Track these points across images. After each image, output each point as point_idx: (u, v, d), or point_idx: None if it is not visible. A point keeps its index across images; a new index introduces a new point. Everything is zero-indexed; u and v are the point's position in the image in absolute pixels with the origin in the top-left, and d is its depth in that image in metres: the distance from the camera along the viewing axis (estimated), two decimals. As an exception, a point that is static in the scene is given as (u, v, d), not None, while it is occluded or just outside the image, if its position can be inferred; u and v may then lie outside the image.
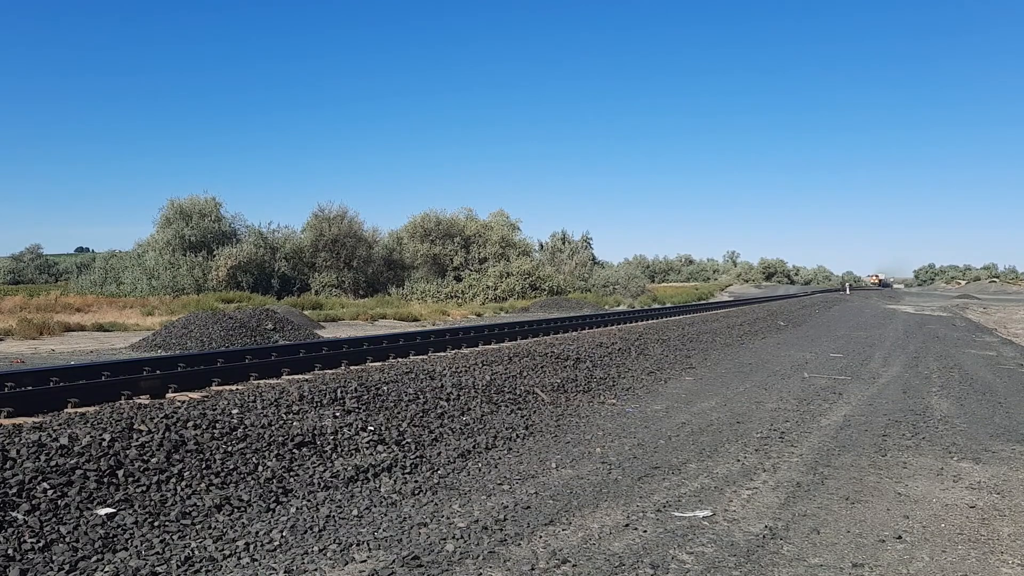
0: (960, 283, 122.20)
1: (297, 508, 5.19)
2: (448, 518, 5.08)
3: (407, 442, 6.85)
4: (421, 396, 8.25)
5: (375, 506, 5.34)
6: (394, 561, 4.28)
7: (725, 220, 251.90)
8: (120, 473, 5.03)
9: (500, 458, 6.79)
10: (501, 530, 4.84)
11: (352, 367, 10.25)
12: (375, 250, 44.35)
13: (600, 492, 5.77)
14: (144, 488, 4.97)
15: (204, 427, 6.00)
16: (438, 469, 6.33)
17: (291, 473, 5.74)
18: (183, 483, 5.15)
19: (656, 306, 38.37)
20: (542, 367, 11.30)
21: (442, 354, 12.19)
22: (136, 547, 4.34)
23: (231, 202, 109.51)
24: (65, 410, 6.75)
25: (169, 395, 7.73)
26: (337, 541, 4.59)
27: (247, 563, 4.25)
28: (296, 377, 9.06)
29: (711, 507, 5.40)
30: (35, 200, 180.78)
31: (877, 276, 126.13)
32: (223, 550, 4.39)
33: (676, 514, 5.24)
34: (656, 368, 13.00)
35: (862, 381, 12.20)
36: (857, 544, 4.73)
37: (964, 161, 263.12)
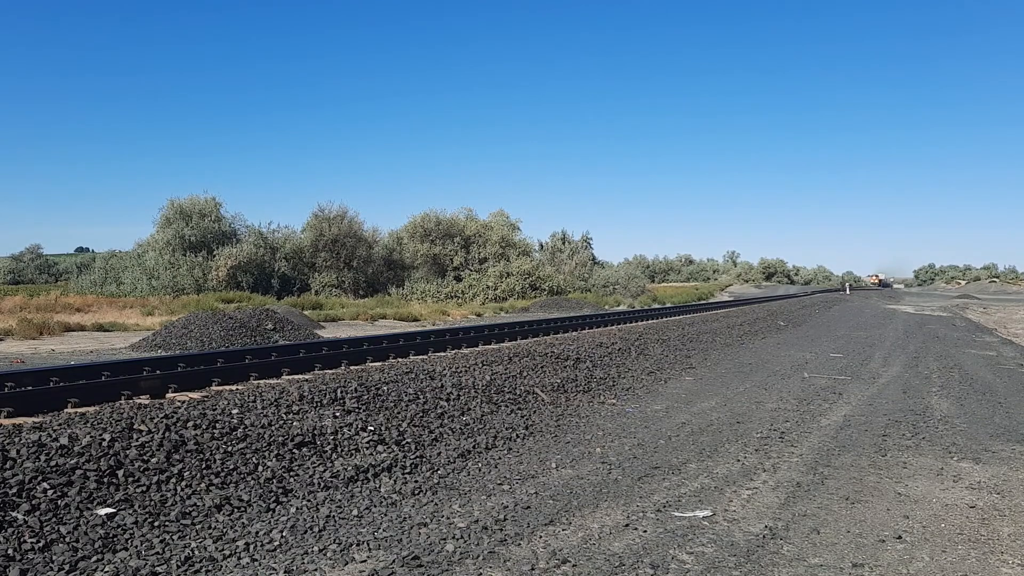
0: (960, 283, 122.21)
1: (297, 508, 5.19)
2: (448, 518, 5.08)
3: (407, 442, 6.85)
4: (421, 396, 8.25)
5: (375, 506, 5.34)
6: (394, 561, 4.28)
7: (725, 220, 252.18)
8: (120, 473, 5.03)
9: (500, 458, 6.79)
10: (501, 530, 4.84)
11: (352, 367, 10.25)
12: (375, 250, 44.36)
13: (600, 492, 5.77)
14: (144, 488, 4.97)
15: (204, 427, 6.00)
16: (438, 469, 6.33)
17: (291, 473, 5.74)
18: (183, 483, 5.15)
19: (656, 306, 38.38)
20: (542, 367, 11.30)
21: (442, 354, 12.19)
22: (136, 547, 4.34)
23: (231, 202, 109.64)
24: (65, 410, 6.75)
25: (169, 395, 7.72)
26: (337, 541, 4.59)
27: (247, 563, 4.25)
28: (296, 377, 9.06)
29: (711, 507, 5.40)
30: (35, 200, 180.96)
31: (877, 276, 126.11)
32: (223, 550, 4.39)
33: (676, 514, 5.24)
34: (656, 368, 13.00)
35: (862, 381, 12.20)
36: (857, 544, 4.73)
37: (964, 161, 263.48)
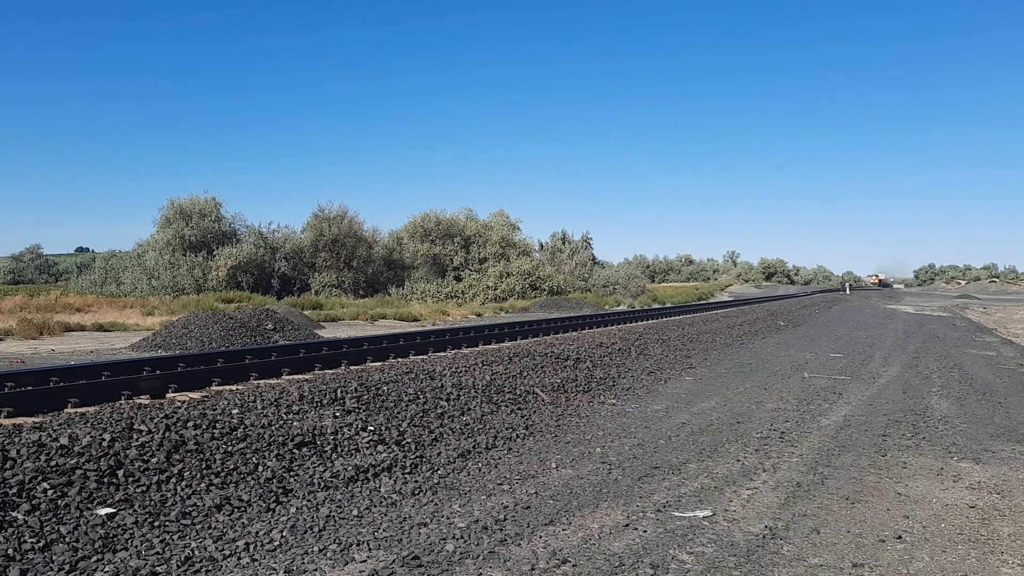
0: (960, 283, 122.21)
1: (297, 508, 5.19)
2: (448, 518, 5.08)
3: (407, 442, 6.85)
4: (421, 396, 8.25)
5: (375, 506, 5.34)
6: (394, 561, 4.28)
7: (725, 220, 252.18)
8: (120, 473, 5.03)
9: (500, 458, 6.79)
10: (501, 530, 4.84)
11: (352, 367, 10.25)
12: (375, 250, 44.35)
13: (600, 492, 5.77)
14: (144, 488, 4.97)
15: (204, 427, 6.00)
16: (438, 469, 6.33)
17: (291, 473, 5.74)
18: (183, 483, 5.15)
19: (656, 306, 38.38)
20: (542, 367, 11.30)
21: (442, 354, 12.19)
22: (136, 547, 4.34)
23: (231, 202, 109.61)
24: (65, 410, 6.75)
25: (169, 395, 7.73)
26: (337, 541, 4.59)
27: (247, 563, 4.25)
28: (296, 377, 9.06)
29: (711, 507, 5.40)
30: (35, 200, 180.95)
31: (877, 276, 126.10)
32: (223, 550, 4.39)
33: (676, 514, 5.24)
34: (656, 368, 13.00)
35: (862, 381, 12.20)
36: (857, 544, 4.73)
37: (964, 161, 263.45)
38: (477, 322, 25.32)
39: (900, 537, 4.86)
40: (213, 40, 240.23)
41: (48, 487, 4.67)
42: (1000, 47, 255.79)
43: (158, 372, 8.63)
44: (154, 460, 5.29)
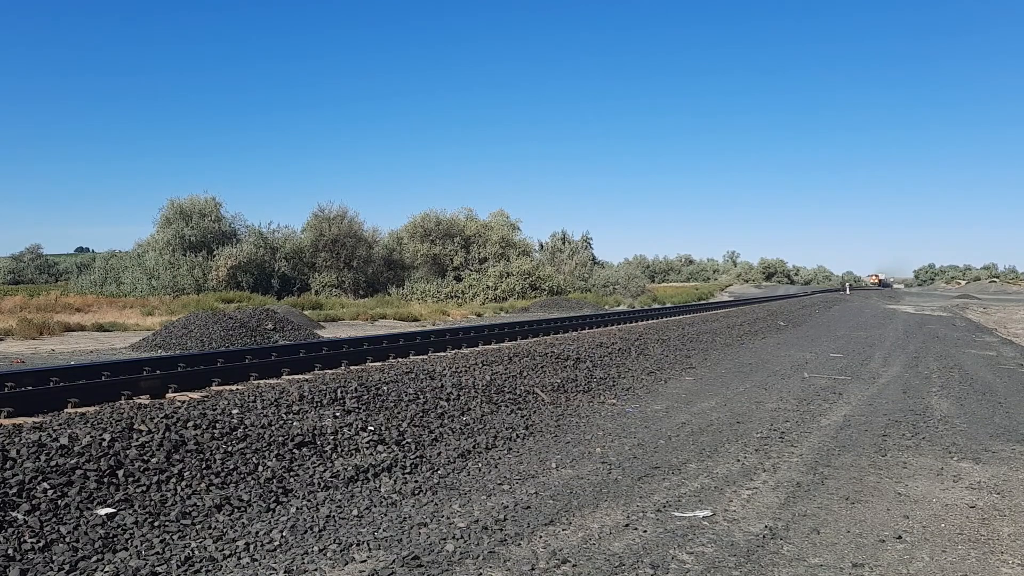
0: (960, 283, 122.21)
1: (297, 508, 5.19)
2: (448, 518, 5.08)
3: (407, 442, 6.85)
4: (421, 396, 8.25)
5: (375, 506, 5.34)
6: (394, 561, 4.28)
7: (725, 220, 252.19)
8: (120, 473, 5.03)
9: (500, 458, 6.79)
10: (501, 530, 4.84)
11: (352, 367, 10.25)
12: (375, 250, 44.35)
13: (600, 492, 5.77)
14: (144, 488, 4.97)
15: (204, 427, 6.00)
16: (438, 469, 6.33)
17: (291, 473, 5.74)
18: (183, 483, 5.15)
19: (656, 306, 38.38)
20: (542, 367, 11.30)
21: (442, 354, 12.19)
22: (136, 547, 4.34)
23: (231, 202, 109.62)
24: (65, 410, 6.75)
25: (169, 395, 7.73)
26: (337, 541, 4.59)
27: (247, 563, 4.25)
28: (296, 377, 9.06)
29: (711, 507, 5.40)
30: (35, 200, 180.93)
31: (877, 276, 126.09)
32: (223, 550, 4.39)
33: (676, 514, 5.24)
34: (656, 368, 13.00)
35: (862, 381, 12.20)
36: (857, 544, 4.73)
37: (964, 161, 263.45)
38: (477, 322, 25.32)
39: (900, 537, 4.86)
40: (213, 40, 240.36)
41: (48, 487, 4.67)
42: (1000, 47, 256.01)
43: (158, 372, 8.63)
44: (154, 460, 5.29)
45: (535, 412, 8.80)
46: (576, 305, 33.85)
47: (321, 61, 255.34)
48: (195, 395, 7.57)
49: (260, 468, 5.64)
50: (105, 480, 4.91)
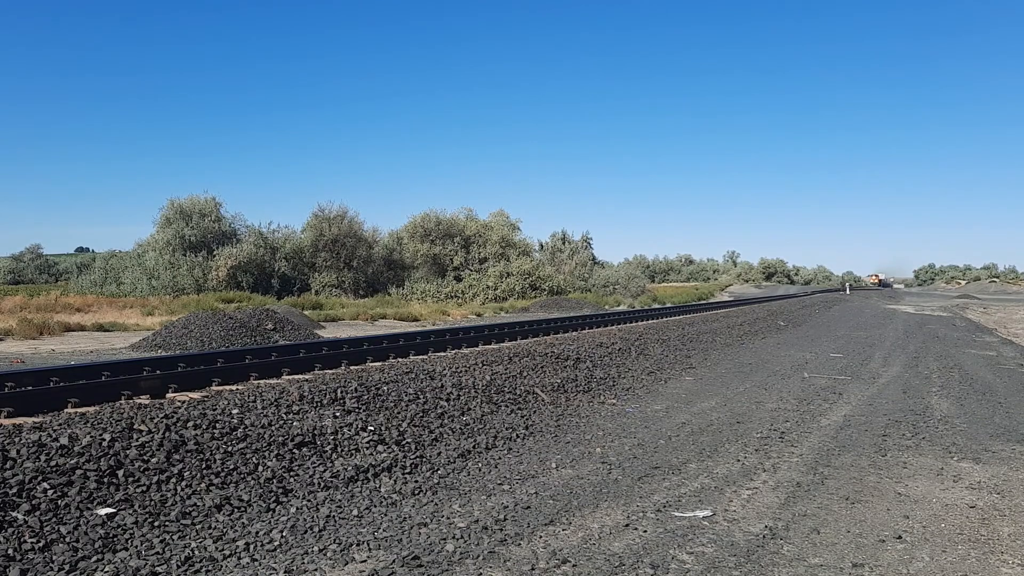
0: (960, 283, 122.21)
1: (297, 508, 5.19)
2: (448, 518, 5.08)
3: (407, 442, 6.85)
4: (421, 396, 8.25)
5: (375, 506, 5.34)
6: (394, 561, 4.28)
7: (725, 220, 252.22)
8: (120, 473, 5.03)
9: (500, 458, 6.79)
10: (501, 530, 4.84)
11: (352, 367, 10.25)
12: (375, 250, 44.35)
13: (600, 492, 5.77)
14: (144, 488, 4.97)
15: (204, 427, 6.00)
16: (438, 469, 6.33)
17: (291, 473, 5.74)
18: (183, 483, 5.15)
19: (656, 306, 38.38)
20: (542, 367, 11.30)
21: (442, 354, 12.19)
22: (136, 547, 4.34)
23: (231, 202, 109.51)
24: (65, 410, 6.75)
25: (169, 395, 7.73)
26: (337, 541, 4.59)
27: (247, 563, 4.25)
28: (296, 377, 9.06)
29: (711, 507, 5.40)
30: (35, 200, 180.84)
31: (877, 276, 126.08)
32: (223, 550, 4.39)
33: (676, 514, 5.24)
34: (656, 368, 13.00)
35: (862, 381, 12.20)
36: (857, 544, 4.73)
37: (964, 161, 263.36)
38: (477, 322, 25.33)
39: (900, 537, 4.86)
40: (213, 40, 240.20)
41: (48, 487, 4.67)
42: (1000, 47, 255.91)
43: (158, 372, 8.63)
44: (154, 460, 5.29)
45: (535, 412, 8.80)
46: (576, 305, 33.84)
47: (321, 61, 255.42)
48: (195, 395, 7.57)
49: (260, 468, 5.64)
50: (105, 480, 4.91)
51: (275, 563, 4.24)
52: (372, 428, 6.94)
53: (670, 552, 4.51)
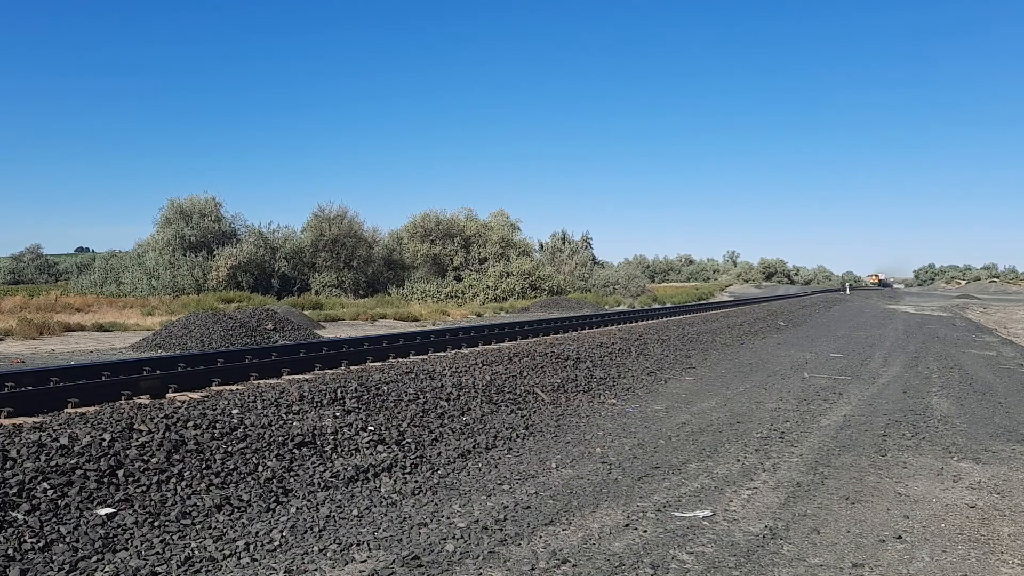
0: (960, 283, 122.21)
1: (297, 508, 5.19)
2: (448, 518, 5.08)
3: (407, 442, 6.85)
4: (421, 396, 8.25)
5: (375, 506, 5.34)
6: (394, 561, 4.28)
7: (725, 220, 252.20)
8: (120, 473, 5.03)
9: (500, 458, 6.79)
10: (501, 530, 4.84)
11: (352, 367, 10.25)
12: (375, 250, 44.35)
13: (600, 492, 5.77)
14: (144, 488, 4.97)
15: (204, 427, 6.00)
16: (438, 469, 6.33)
17: (291, 473, 5.74)
18: (183, 483, 5.15)
19: (656, 306, 38.38)
20: (542, 367, 11.30)
21: (442, 354, 12.19)
22: (136, 547, 4.34)
23: (231, 202, 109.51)
24: (65, 410, 6.75)
25: (169, 395, 7.73)
26: (337, 541, 4.59)
27: (247, 563, 4.25)
28: (296, 377, 9.06)
29: (711, 507, 5.40)
30: (35, 200, 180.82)
31: (877, 276, 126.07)
32: (223, 550, 4.39)
33: (676, 514, 5.24)
34: (656, 368, 13.00)
35: (862, 381, 12.20)
36: (857, 544, 4.73)
37: (964, 161, 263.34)
38: (477, 322, 25.33)
39: (900, 537, 4.86)
40: (213, 40, 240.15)
41: (48, 487, 4.67)
42: (1000, 47, 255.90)
43: (158, 372, 8.63)
44: (154, 460, 5.29)
45: (535, 412, 8.80)
46: (576, 305, 33.84)
47: (321, 61, 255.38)
48: (195, 395, 7.57)
49: (260, 468, 5.64)
50: (105, 480, 4.91)
51: (275, 563, 4.24)
52: (372, 428, 6.94)
53: (670, 552, 4.51)
